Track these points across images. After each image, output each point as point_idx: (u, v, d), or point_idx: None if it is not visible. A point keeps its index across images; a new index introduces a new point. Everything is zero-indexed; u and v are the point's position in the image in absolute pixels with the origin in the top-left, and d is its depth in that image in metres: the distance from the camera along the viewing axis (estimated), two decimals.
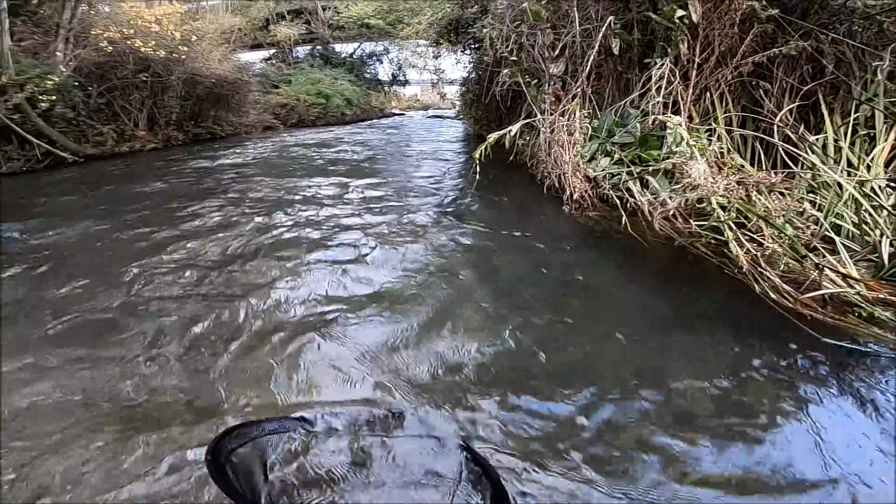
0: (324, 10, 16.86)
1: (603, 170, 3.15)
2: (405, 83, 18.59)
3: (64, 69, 7.75)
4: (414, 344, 1.67)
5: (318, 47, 16.75)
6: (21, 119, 6.77)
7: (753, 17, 3.28)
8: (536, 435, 1.25)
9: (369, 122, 14.56)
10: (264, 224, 3.18)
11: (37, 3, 7.85)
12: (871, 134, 3.01)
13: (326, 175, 5.25)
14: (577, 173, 3.05)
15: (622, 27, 3.98)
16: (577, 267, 2.34)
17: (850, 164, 2.92)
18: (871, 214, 2.31)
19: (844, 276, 1.89)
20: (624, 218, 2.65)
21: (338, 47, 17.26)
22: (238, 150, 8.52)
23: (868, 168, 2.87)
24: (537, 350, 1.62)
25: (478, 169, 3.50)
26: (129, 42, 8.14)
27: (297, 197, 3.97)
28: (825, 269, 1.87)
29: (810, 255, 1.96)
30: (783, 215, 2.11)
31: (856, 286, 1.85)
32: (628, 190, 2.92)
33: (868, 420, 1.31)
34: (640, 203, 2.68)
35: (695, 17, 3.25)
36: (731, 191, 2.16)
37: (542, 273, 2.28)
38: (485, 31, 4.95)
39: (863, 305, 1.79)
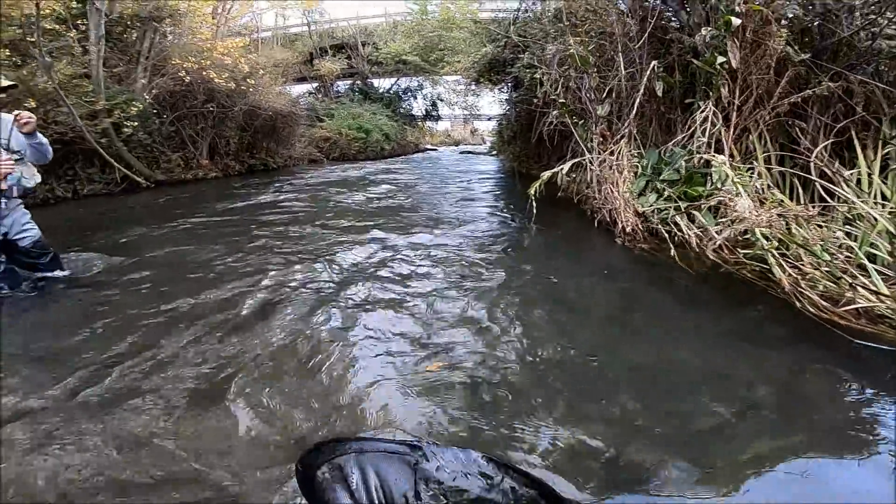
0: (363, 45, 18.29)
1: (651, 205, 3.61)
2: (438, 119, 19.74)
3: (146, 96, 8.49)
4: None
5: (358, 82, 18.10)
6: (107, 143, 7.44)
7: (787, 60, 3.77)
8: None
9: (406, 156, 15.51)
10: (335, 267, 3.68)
11: (121, 30, 8.70)
12: None
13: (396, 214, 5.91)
14: (629, 208, 3.52)
15: (664, 70, 4.52)
16: (636, 291, 2.79)
17: (883, 196, 3.29)
18: None
19: (876, 293, 2.27)
20: (672, 250, 3.08)
21: (375, 82, 18.62)
22: (293, 183, 9.26)
23: None
24: (613, 353, 2.07)
25: (534, 205, 3.98)
26: (204, 73, 8.93)
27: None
28: (857, 287, 2.26)
29: (845, 276, 2.36)
30: (820, 243, 2.51)
31: (886, 301, 2.23)
32: (675, 224, 3.36)
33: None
34: (687, 236, 3.12)
35: (734, 63, 3.76)
36: (773, 223, 2.59)
37: (607, 295, 2.74)
38: (535, 75, 5.57)
39: (893, 317, 2.17)
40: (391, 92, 18.53)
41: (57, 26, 7.71)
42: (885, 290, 2.26)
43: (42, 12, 6.62)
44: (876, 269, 2.62)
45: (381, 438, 1.13)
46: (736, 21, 3.71)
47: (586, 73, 5.04)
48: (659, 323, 2.38)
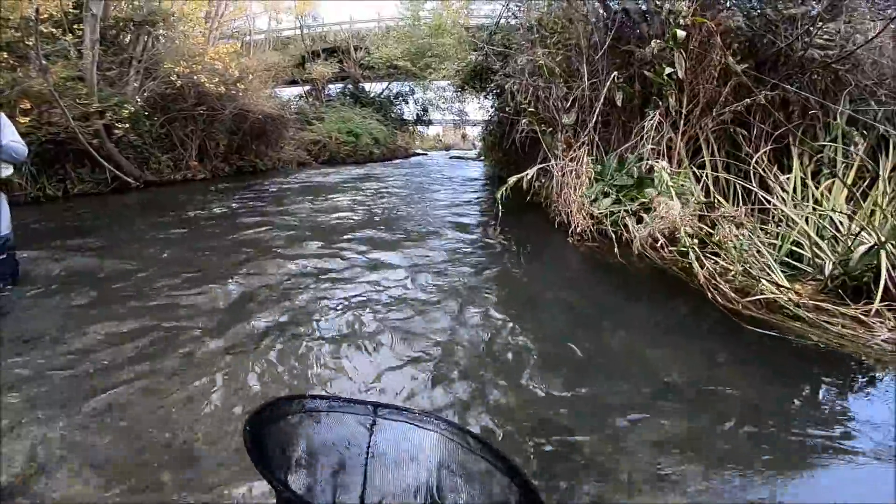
0: (356, 50, 18.67)
1: (606, 208, 3.92)
2: (429, 123, 20.14)
3: (138, 99, 8.74)
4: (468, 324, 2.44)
5: (349, 86, 18.46)
6: (98, 144, 7.64)
7: (730, 71, 4.10)
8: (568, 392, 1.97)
9: (395, 161, 15.84)
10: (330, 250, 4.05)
11: (115, 34, 8.95)
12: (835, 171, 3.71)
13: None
14: (582, 211, 3.83)
15: (625, 81, 4.84)
16: (579, 282, 3.09)
17: (815, 199, 3.61)
18: (816, 244, 3.00)
19: (779, 286, 2.57)
20: (616, 248, 3.39)
21: (367, 86, 18.99)
22: (287, 183, 9.53)
23: (834, 206, 3.55)
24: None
25: (500, 207, 4.31)
26: (195, 77, 9.22)
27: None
28: (762, 280, 2.56)
29: (753, 272, 2.66)
30: (735, 240, 2.82)
31: (787, 294, 2.53)
32: (625, 225, 3.67)
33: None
34: (633, 236, 3.42)
35: (680, 73, 4.09)
36: (691, 224, 2.90)
37: (552, 286, 3.04)
38: (505, 84, 5.91)
39: (789, 307, 2.47)
40: (382, 96, 18.91)
41: (54, 30, 7.95)
42: (785, 283, 2.56)
43: (41, 16, 6.88)
44: (796, 265, 2.94)
45: (335, 397, 1.04)
46: (681, 34, 4.03)
47: (553, 83, 5.37)
48: (595, 313, 2.67)
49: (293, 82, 17.46)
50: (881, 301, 2.58)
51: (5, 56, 7.12)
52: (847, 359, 2.18)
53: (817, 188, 3.66)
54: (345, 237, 4.36)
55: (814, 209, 3.46)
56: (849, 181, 3.64)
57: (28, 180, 7.05)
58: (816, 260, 3.02)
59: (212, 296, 2.76)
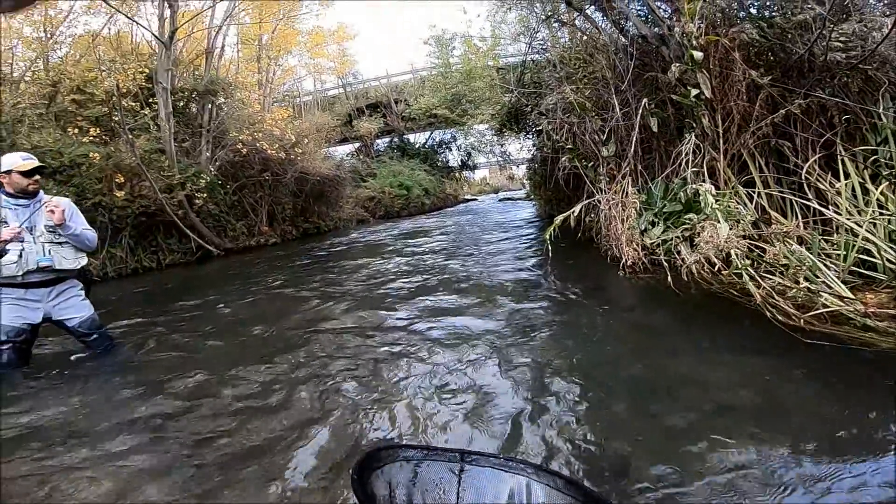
0: (396, 103, 20.06)
1: (658, 237, 4.03)
2: (474, 168, 20.85)
3: (212, 168, 9.62)
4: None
5: (395, 139, 19.75)
6: (182, 214, 8.54)
7: (757, 84, 4.15)
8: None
9: (446, 209, 16.30)
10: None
11: (183, 105, 9.94)
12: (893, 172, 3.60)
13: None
14: (632, 243, 3.96)
15: (657, 106, 4.99)
16: (636, 318, 3.24)
17: (879, 204, 3.52)
18: (886, 250, 2.96)
19: (842, 297, 2.59)
20: (669, 277, 3.47)
21: (411, 138, 20.19)
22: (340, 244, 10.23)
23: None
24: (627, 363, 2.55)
25: (550, 248, 4.54)
26: (257, 144, 10.24)
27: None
28: (822, 293, 2.59)
29: (811, 284, 2.69)
30: (789, 256, 2.86)
31: (852, 304, 2.54)
32: (678, 252, 3.76)
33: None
34: (686, 262, 3.52)
35: (707, 93, 4.19)
36: (739, 245, 2.98)
37: (608, 322, 3.22)
38: (541, 123, 6.25)
39: (856, 318, 2.48)
40: (426, 146, 19.94)
41: (133, 104, 9.13)
42: (848, 294, 2.58)
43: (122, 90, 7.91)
44: (865, 273, 2.93)
45: (427, 446, 1.23)
46: (699, 55, 4.17)
47: (587, 117, 5.62)
48: (654, 342, 2.82)
49: (343, 140, 18.95)
50: None
51: (98, 131, 8.24)
52: None
53: (880, 191, 3.58)
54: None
55: (880, 214, 3.39)
56: None
57: (127, 253, 8.08)
58: (889, 266, 2.97)
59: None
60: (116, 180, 7.64)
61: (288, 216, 11.31)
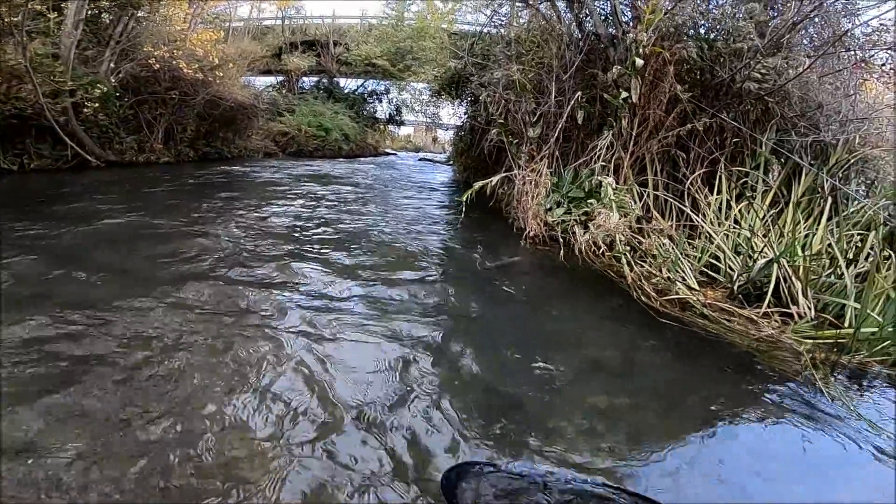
0: (335, 45, 18.87)
1: (559, 217, 4.46)
2: (401, 123, 20.62)
3: (112, 80, 8.80)
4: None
5: (325, 80, 18.65)
6: (64, 121, 7.72)
7: (677, 98, 4.72)
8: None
9: (364, 158, 16.24)
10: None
11: (97, 13, 8.89)
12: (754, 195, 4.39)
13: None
14: (537, 218, 4.36)
15: (587, 101, 5.42)
16: (528, 274, 3.59)
17: (735, 220, 4.26)
18: (730, 257, 3.63)
19: (691, 289, 3.14)
20: (562, 251, 3.93)
21: (342, 82, 19.23)
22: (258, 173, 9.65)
23: (751, 225, 4.22)
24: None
25: (464, 210, 4.79)
26: (174, 62, 9.27)
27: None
28: (677, 283, 3.13)
29: (671, 274, 3.23)
30: (660, 249, 3.39)
31: (697, 295, 3.10)
32: (574, 233, 4.21)
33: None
34: (578, 242, 3.97)
35: (634, 98, 4.69)
36: (623, 233, 3.47)
37: (503, 275, 3.54)
38: (480, 94, 6.42)
39: (697, 306, 3.04)
40: (356, 93, 19.21)
41: (41, 6, 7.89)
42: (696, 287, 3.14)
43: None
44: (712, 274, 3.56)
45: (510, 465, 1.41)
46: (640, 62, 4.63)
47: (524, 98, 5.90)
48: (544, 305, 3.18)
49: (268, 72, 17.50)
50: (775, 306, 3.21)
51: None
52: (733, 347, 2.75)
53: (738, 209, 4.34)
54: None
55: (732, 228, 4.11)
56: (765, 204, 4.33)
57: None
58: (729, 271, 3.65)
59: None
60: None
61: (188, 138, 10.43)
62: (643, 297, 3.17)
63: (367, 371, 2.11)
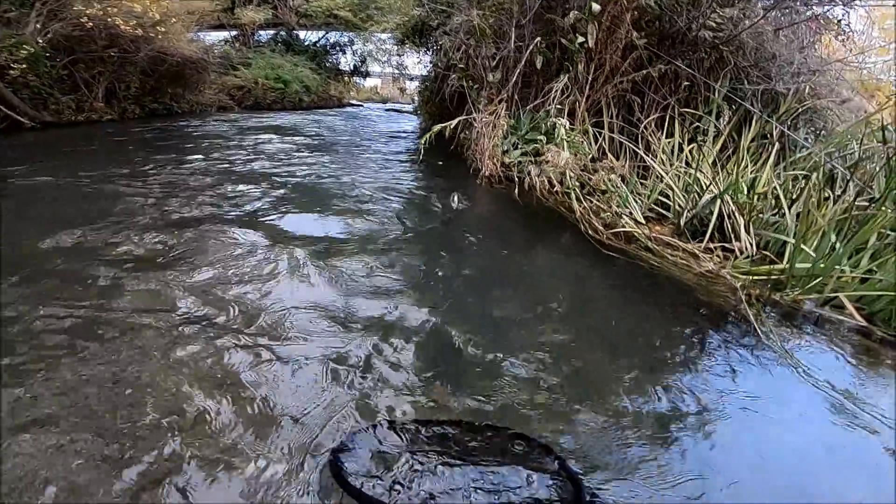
0: None
1: (515, 158, 4.50)
2: (366, 75, 20.02)
3: (40, 40, 8.35)
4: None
5: (282, 32, 17.74)
6: None
7: (633, 45, 4.74)
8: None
9: (327, 109, 15.85)
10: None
11: None
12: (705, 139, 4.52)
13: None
14: (493, 158, 4.40)
15: (546, 47, 5.38)
16: (482, 212, 3.68)
17: (687, 161, 4.39)
18: (678, 195, 3.76)
19: (637, 222, 3.27)
20: (517, 189, 4.00)
21: (302, 34, 18.34)
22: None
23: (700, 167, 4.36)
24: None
25: (423, 151, 4.79)
26: (109, 20, 8.76)
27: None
28: (624, 217, 3.24)
29: (619, 209, 3.34)
30: (608, 184, 3.49)
31: (642, 229, 3.23)
32: (529, 173, 4.27)
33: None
34: (533, 180, 4.03)
35: (590, 43, 4.69)
36: (576, 170, 3.55)
37: (459, 215, 3.62)
38: (441, 41, 6.27)
39: (642, 239, 3.17)
40: (318, 45, 18.43)
41: None
42: (642, 221, 3.26)
43: None
44: (661, 212, 3.69)
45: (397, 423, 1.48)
46: (597, 7, 4.59)
47: (484, 43, 5.80)
48: (497, 240, 3.26)
49: (220, 26, 16.50)
50: (719, 242, 3.37)
51: None
52: (675, 282, 2.89)
53: (688, 151, 4.46)
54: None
55: (682, 169, 4.25)
56: (716, 148, 4.46)
57: None
58: (677, 208, 3.79)
59: None
60: None
61: (132, 95, 9.96)
62: (590, 231, 3.28)
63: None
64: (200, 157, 5.89)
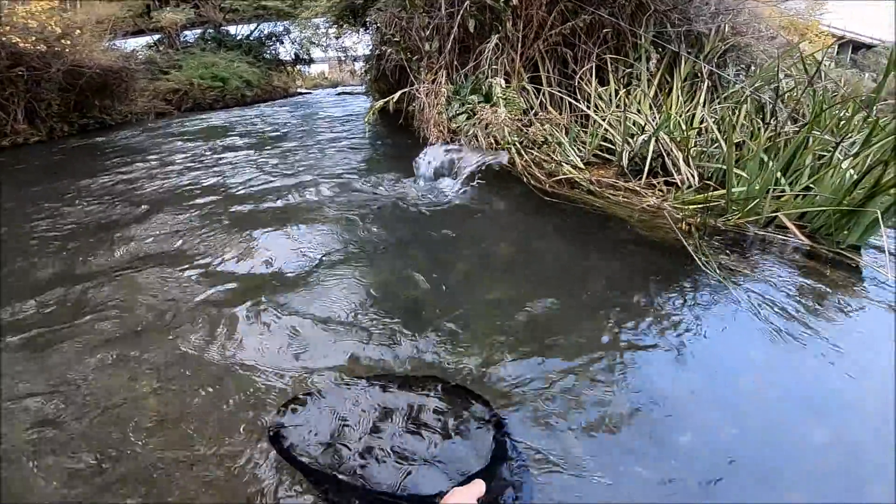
0: None
1: (461, 123, 4.56)
2: (310, 62, 19.58)
3: None
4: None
5: (210, 30, 17.03)
6: None
7: None
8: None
9: (273, 101, 15.49)
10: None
11: None
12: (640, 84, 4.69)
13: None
14: (438, 125, 4.45)
15: (477, 10, 5.41)
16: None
17: (624, 106, 4.55)
18: (618, 139, 3.92)
19: (577, 168, 3.40)
20: None
21: (232, 30, 17.65)
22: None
23: (638, 110, 4.53)
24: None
25: (367, 129, 4.78)
26: (4, 38, 8.31)
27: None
28: (564, 164, 3.37)
29: (560, 157, 3.47)
30: (546, 135, 3.61)
31: (582, 174, 3.37)
32: (475, 136, 4.34)
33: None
34: (480, 141, 4.11)
35: (515, 1, 4.75)
36: (513, 125, 3.66)
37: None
38: (371, 17, 6.21)
39: (584, 184, 3.31)
40: (251, 38, 17.82)
41: None
42: (581, 166, 3.40)
43: None
44: (604, 156, 3.85)
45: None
46: None
47: (416, 14, 5.78)
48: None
49: (140, 32, 15.69)
50: (662, 177, 3.54)
51: None
52: (619, 220, 3.04)
53: (622, 96, 4.62)
54: None
55: (621, 114, 4.41)
56: (651, 91, 4.64)
57: None
58: (620, 151, 3.96)
59: None
60: None
61: (55, 112, 9.46)
62: (533, 182, 3.40)
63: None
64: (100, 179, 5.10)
